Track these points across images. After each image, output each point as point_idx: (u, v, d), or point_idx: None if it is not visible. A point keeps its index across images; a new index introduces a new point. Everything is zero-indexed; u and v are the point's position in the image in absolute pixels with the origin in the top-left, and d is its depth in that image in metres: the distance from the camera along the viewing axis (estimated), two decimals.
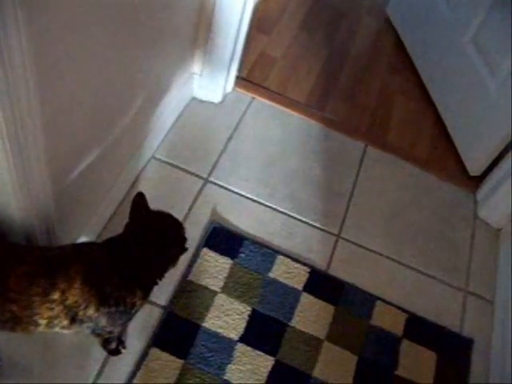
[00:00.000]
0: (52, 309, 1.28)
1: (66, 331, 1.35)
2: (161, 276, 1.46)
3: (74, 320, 1.32)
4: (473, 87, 2.44)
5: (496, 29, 2.31)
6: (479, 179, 2.43)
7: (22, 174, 1.24)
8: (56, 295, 1.27)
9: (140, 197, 1.45)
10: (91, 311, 1.32)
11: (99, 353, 1.63)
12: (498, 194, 2.26)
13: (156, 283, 1.45)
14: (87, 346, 1.64)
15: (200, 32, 2.13)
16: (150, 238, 1.39)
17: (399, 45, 3.05)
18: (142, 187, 2.00)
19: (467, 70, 2.47)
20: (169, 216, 1.46)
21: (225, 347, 1.73)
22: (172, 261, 1.45)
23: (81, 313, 1.32)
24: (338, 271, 1.99)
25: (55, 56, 1.18)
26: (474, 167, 2.45)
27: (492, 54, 2.34)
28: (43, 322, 1.30)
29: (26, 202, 1.33)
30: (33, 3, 1.01)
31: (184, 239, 1.47)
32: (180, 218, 1.91)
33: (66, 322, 1.32)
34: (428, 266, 2.12)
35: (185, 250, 1.48)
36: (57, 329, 1.33)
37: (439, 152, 2.56)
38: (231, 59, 2.25)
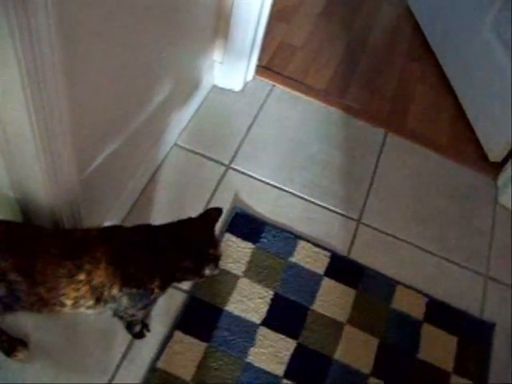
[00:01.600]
0: (78, 289, 1.32)
1: (90, 311, 1.39)
2: (182, 278, 1.49)
3: (98, 300, 1.36)
4: (492, 73, 2.43)
5: None
6: (500, 165, 2.43)
7: (51, 161, 1.28)
8: (82, 276, 1.31)
9: (215, 212, 1.50)
10: (115, 291, 1.36)
11: (124, 337, 1.66)
12: None
13: (175, 280, 1.49)
14: (112, 330, 1.67)
15: (221, 21, 2.15)
16: (187, 243, 1.43)
17: (418, 33, 3.04)
18: (165, 174, 2.04)
19: (486, 56, 2.46)
20: (211, 233, 1.48)
21: (247, 330, 1.75)
22: (198, 272, 1.45)
23: (106, 293, 1.35)
24: (359, 256, 2.01)
25: (82, 40, 1.21)
26: (495, 153, 2.45)
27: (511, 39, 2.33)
28: (69, 302, 1.33)
29: (54, 188, 1.36)
30: None
31: (217, 259, 1.46)
32: (202, 204, 1.98)
33: (91, 302, 1.36)
34: (448, 250, 2.12)
35: (215, 267, 1.45)
36: (82, 309, 1.37)
37: (459, 138, 2.56)
38: (252, 48, 2.27)
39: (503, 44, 2.38)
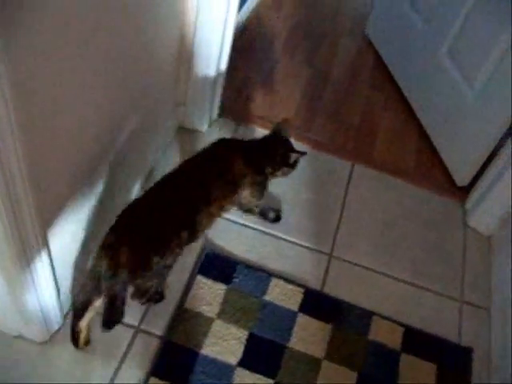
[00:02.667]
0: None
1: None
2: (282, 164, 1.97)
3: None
4: (452, 98, 2.48)
5: (471, 40, 2.37)
6: (467, 189, 2.45)
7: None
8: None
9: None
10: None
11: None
12: (486, 202, 2.28)
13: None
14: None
15: (182, 63, 2.17)
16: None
17: (379, 62, 3.10)
18: None
19: (445, 82, 2.51)
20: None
21: (224, 372, 1.73)
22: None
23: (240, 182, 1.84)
24: (333, 290, 2.01)
25: (39, 103, 1.21)
26: (461, 177, 2.48)
27: (468, 65, 2.38)
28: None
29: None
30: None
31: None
32: None
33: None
34: (422, 278, 2.13)
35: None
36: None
37: (426, 165, 2.59)
38: (214, 87, 2.29)
39: (460, 69, 2.43)
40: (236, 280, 1.93)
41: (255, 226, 2.13)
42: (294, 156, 1.94)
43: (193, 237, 1.70)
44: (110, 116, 1.67)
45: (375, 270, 2.11)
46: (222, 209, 1.80)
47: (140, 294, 1.67)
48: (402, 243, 2.23)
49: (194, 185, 1.71)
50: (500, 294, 2.09)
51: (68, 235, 1.61)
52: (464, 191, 2.46)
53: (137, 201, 1.67)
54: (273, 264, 2.03)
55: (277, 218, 2.16)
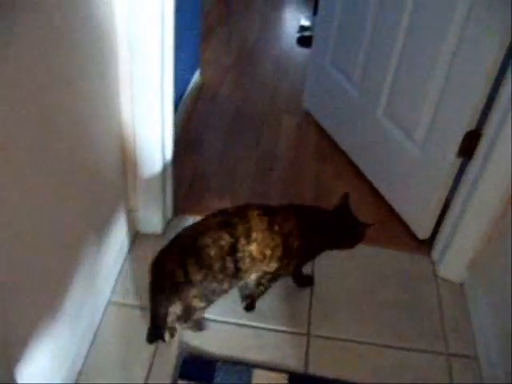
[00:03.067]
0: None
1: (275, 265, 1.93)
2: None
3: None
4: (397, 156, 2.54)
5: (403, 97, 2.45)
6: (431, 240, 2.48)
7: None
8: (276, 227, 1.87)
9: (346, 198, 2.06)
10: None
11: None
12: (451, 250, 2.30)
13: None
14: None
15: (128, 171, 2.19)
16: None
17: (323, 134, 3.16)
18: (105, 336, 1.98)
19: (388, 142, 2.58)
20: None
21: None
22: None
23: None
24: (317, 369, 1.96)
25: None
26: (422, 231, 2.51)
27: (405, 121, 2.46)
28: (268, 253, 1.88)
29: None
30: None
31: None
32: (148, 355, 1.93)
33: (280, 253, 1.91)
34: (404, 339, 2.11)
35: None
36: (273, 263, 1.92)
37: (386, 225, 2.61)
38: (164, 187, 2.30)
39: (398, 126, 2.50)
40: (217, 378, 1.88)
41: (228, 320, 2.10)
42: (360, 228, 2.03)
43: (238, 269, 1.83)
44: (60, 233, 1.66)
45: (356, 341, 2.08)
46: (263, 256, 1.87)
47: (186, 317, 1.86)
48: (377, 308, 2.22)
49: (240, 220, 1.84)
50: (483, 339, 2.08)
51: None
52: (428, 243, 2.48)
53: (188, 227, 1.92)
54: (252, 355, 1.98)
55: (249, 307, 2.12)
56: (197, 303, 1.82)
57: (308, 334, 2.08)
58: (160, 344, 1.96)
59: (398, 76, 2.47)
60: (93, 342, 1.95)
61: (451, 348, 2.10)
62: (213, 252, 1.77)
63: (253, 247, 1.83)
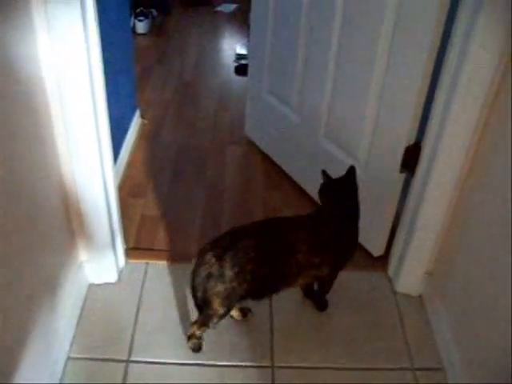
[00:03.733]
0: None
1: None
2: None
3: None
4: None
5: (341, 119, 2.48)
6: (386, 256, 2.50)
7: None
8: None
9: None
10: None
11: None
12: (406, 264, 2.32)
13: None
14: None
15: (73, 224, 2.15)
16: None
17: (268, 161, 3.17)
18: None
19: (331, 163, 2.58)
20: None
21: None
22: None
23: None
24: None
25: None
26: (376, 248, 2.52)
27: (346, 142, 2.48)
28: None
29: None
30: None
31: None
32: None
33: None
34: (368, 359, 2.11)
35: None
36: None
37: None
38: (112, 236, 2.26)
39: (341, 148, 2.52)
40: None
41: (192, 362, 2.06)
42: None
43: (285, 276, 1.99)
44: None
45: (321, 367, 2.07)
46: (311, 263, 2.00)
47: (202, 319, 1.98)
48: (339, 331, 2.21)
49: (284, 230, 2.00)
50: (446, 350, 2.09)
51: None
52: (384, 260, 2.49)
53: (237, 228, 2.00)
54: None
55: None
56: (217, 304, 1.90)
57: (272, 366, 2.06)
58: None
59: (334, 98, 2.49)
60: None
61: (416, 363, 2.10)
62: (252, 256, 1.87)
63: (299, 256, 1.95)
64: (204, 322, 1.98)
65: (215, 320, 1.96)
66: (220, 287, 1.86)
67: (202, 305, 1.93)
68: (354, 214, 2.10)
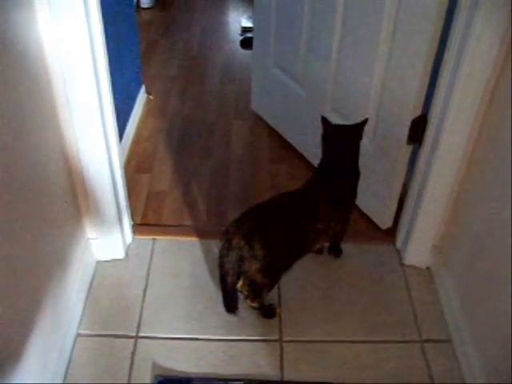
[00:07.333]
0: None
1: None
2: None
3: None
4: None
5: (347, 91, 2.46)
6: (393, 229, 2.49)
7: None
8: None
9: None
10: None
11: None
12: (414, 236, 2.31)
13: None
14: None
15: (80, 202, 2.16)
16: None
17: (275, 135, 3.15)
18: (77, 369, 1.94)
19: None
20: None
21: None
22: None
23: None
24: (294, 374, 1.95)
25: None
26: (384, 221, 2.52)
27: (352, 115, 2.45)
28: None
29: None
30: None
31: None
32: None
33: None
34: (376, 332, 2.11)
35: None
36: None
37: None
38: (119, 213, 2.27)
39: (347, 121, 2.48)
40: None
41: (199, 336, 2.08)
42: None
43: (304, 244, 2.07)
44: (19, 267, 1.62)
45: (329, 341, 2.07)
46: (328, 227, 2.12)
47: (253, 294, 2.03)
48: (347, 304, 2.21)
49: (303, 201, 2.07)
50: (454, 321, 2.09)
51: None
52: (392, 233, 2.49)
53: (259, 205, 2.05)
54: (227, 368, 1.97)
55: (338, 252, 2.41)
56: (260, 279, 1.94)
57: (280, 340, 2.07)
58: (133, 370, 1.94)
59: (340, 70, 2.47)
60: (65, 377, 1.91)
61: (424, 334, 2.11)
62: (277, 232, 1.93)
63: (319, 225, 2.04)
64: (255, 296, 2.04)
65: (265, 291, 2.04)
66: (257, 264, 1.90)
67: (241, 285, 1.98)
68: (356, 161, 2.16)
